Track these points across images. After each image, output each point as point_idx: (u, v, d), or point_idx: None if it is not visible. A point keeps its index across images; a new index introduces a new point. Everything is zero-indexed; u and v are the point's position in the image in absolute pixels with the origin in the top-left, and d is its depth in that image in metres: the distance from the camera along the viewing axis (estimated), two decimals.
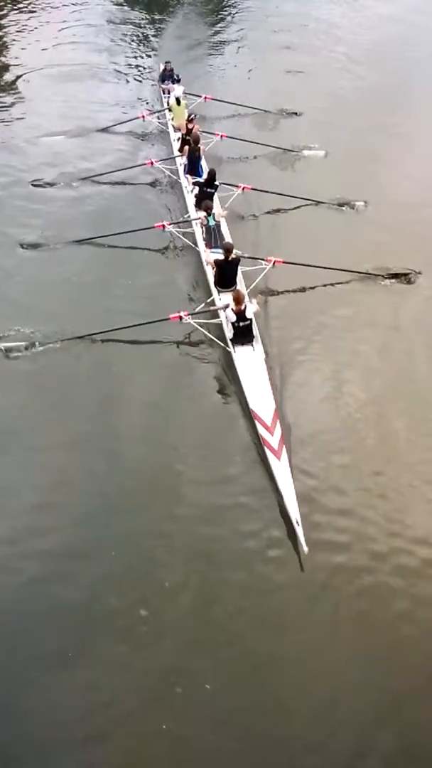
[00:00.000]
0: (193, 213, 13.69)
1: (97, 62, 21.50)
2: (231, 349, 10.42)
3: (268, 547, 8.00)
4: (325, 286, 12.03)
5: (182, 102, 17.08)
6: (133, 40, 23.53)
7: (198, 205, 13.74)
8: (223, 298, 11.41)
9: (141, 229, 12.87)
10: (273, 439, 8.91)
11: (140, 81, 20.87)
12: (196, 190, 13.85)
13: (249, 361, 10.20)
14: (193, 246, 12.91)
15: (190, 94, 18.18)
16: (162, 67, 20.16)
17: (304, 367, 10.48)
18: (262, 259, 11.93)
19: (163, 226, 12.96)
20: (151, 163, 15.24)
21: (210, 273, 11.86)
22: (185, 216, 13.73)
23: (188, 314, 10.74)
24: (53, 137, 16.92)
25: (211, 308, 11.04)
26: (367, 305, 11.69)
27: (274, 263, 11.85)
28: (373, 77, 20.46)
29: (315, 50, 22.38)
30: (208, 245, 12.66)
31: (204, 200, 13.45)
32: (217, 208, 13.04)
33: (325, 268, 11.87)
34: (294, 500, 8.18)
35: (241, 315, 10.25)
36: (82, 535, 8.04)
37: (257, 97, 18.66)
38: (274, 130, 17.79)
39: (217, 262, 11.45)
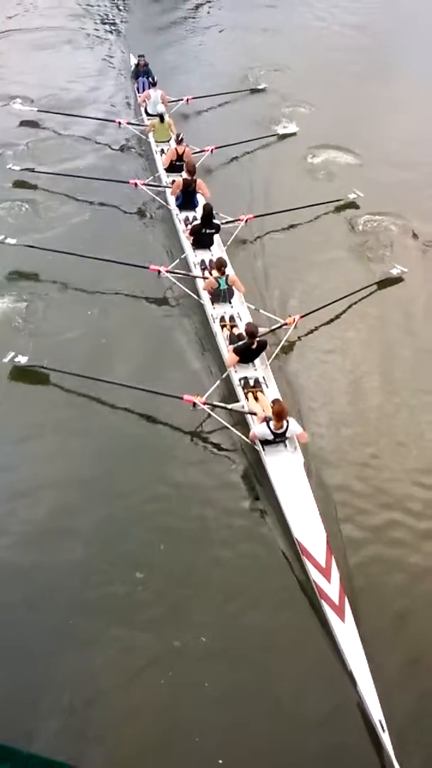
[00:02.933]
0: (191, 257, 11.51)
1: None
2: (260, 448, 8.42)
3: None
4: None
5: (166, 120, 14.76)
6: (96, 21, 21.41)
7: (195, 244, 11.63)
8: (240, 371, 9.43)
9: (135, 265, 10.84)
10: (331, 588, 6.85)
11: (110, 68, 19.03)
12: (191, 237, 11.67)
13: (283, 465, 8.12)
14: (194, 296, 10.77)
15: (171, 101, 15.93)
16: (135, 61, 17.74)
17: (354, 477, 8.37)
18: (284, 324, 10.00)
19: (159, 271, 10.82)
20: (136, 184, 12.93)
21: (224, 349, 9.67)
22: (182, 257, 11.47)
23: (205, 402, 8.65)
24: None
25: (232, 408, 8.83)
26: None
27: (296, 323, 9.94)
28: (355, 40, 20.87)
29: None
30: (215, 300, 10.56)
31: (204, 246, 11.60)
32: (230, 269, 10.87)
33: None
34: (371, 687, 6.12)
35: (280, 434, 8.16)
36: None
37: (238, 78, 18.33)
38: (263, 113, 16.83)
39: (237, 346, 9.26)
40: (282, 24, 22.54)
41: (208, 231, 11.44)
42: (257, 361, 9.57)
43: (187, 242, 11.69)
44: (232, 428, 8.56)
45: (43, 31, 21.20)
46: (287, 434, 8.17)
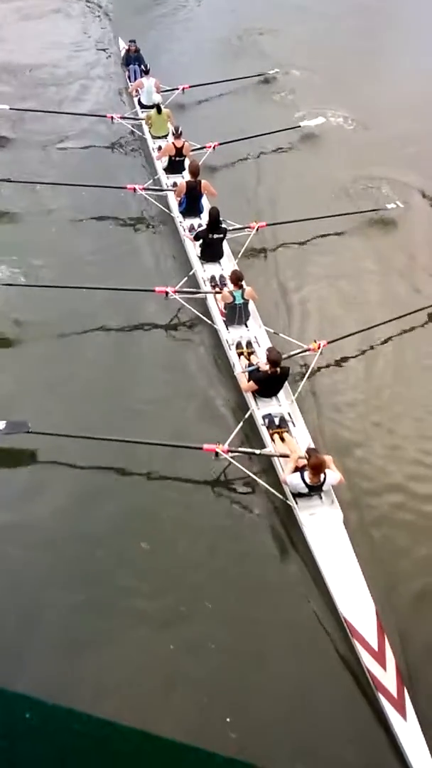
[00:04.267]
0: (200, 272, 10.53)
1: None
2: (293, 503, 7.54)
3: None
4: None
5: (163, 110, 13.60)
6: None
7: (204, 257, 10.65)
8: (262, 406, 8.52)
9: (139, 289, 9.88)
10: (387, 678, 5.99)
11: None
12: (198, 243, 10.68)
13: (321, 523, 7.22)
14: (207, 320, 9.74)
15: (165, 90, 14.76)
16: (125, 47, 16.49)
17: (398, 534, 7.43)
18: (307, 349, 9.06)
19: (167, 292, 9.83)
20: (134, 189, 11.83)
21: (244, 381, 8.67)
22: (189, 273, 10.43)
23: (228, 449, 7.73)
24: None
25: (260, 453, 7.86)
26: None
27: (321, 349, 9.02)
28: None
29: None
30: (229, 323, 9.61)
31: (213, 259, 10.65)
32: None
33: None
34: None
35: (316, 487, 7.27)
36: None
37: (242, 62, 17.02)
38: (269, 102, 15.71)
39: (257, 378, 8.35)
40: None
41: (215, 236, 10.47)
42: (281, 395, 8.66)
43: (195, 256, 10.70)
44: (258, 479, 7.64)
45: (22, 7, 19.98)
46: (324, 487, 7.31)
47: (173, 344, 9.61)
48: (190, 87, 15.18)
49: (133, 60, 16.01)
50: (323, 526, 7.22)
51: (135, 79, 15.56)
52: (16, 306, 9.69)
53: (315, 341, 9.03)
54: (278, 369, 8.21)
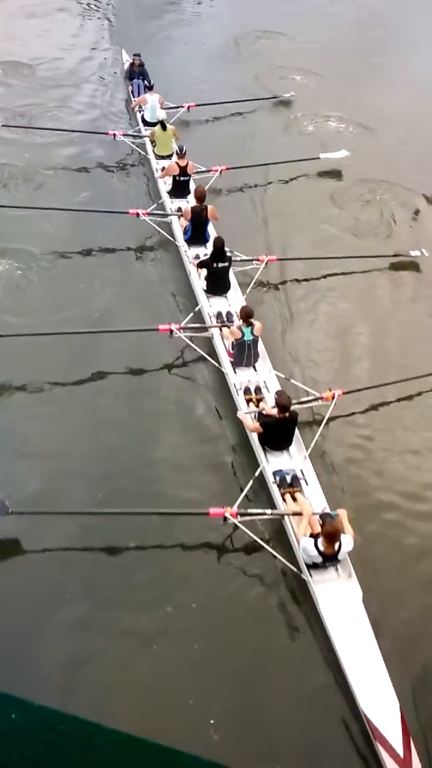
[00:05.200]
0: (206, 306, 9.91)
1: None
2: (307, 576, 6.89)
3: None
4: None
5: (168, 127, 12.99)
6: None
7: (210, 289, 10.04)
8: (272, 460, 7.91)
9: (142, 329, 9.19)
10: None
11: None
12: (203, 271, 10.06)
13: (337, 600, 6.58)
14: (213, 362, 9.10)
15: (169, 107, 14.15)
16: (129, 60, 15.89)
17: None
18: (320, 397, 8.46)
19: (171, 330, 9.19)
20: (137, 214, 11.19)
21: (248, 420, 8.12)
22: (195, 309, 9.77)
23: (236, 515, 7.08)
24: None
25: (272, 514, 7.23)
26: None
27: (335, 399, 8.41)
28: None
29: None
30: (237, 363, 9.00)
31: (220, 291, 10.05)
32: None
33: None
34: None
35: (331, 557, 6.66)
36: None
37: (250, 83, 16.33)
38: (284, 127, 14.83)
39: (265, 421, 7.78)
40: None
41: (220, 265, 9.86)
42: (293, 448, 8.04)
43: (200, 289, 10.08)
44: (268, 546, 7.00)
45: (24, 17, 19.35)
46: (339, 556, 6.69)
47: (175, 389, 8.92)
48: (197, 105, 14.58)
49: (137, 74, 15.42)
50: (340, 604, 6.59)
51: (138, 94, 14.97)
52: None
53: (330, 390, 8.42)
54: (287, 414, 7.62)
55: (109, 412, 8.43)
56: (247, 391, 8.68)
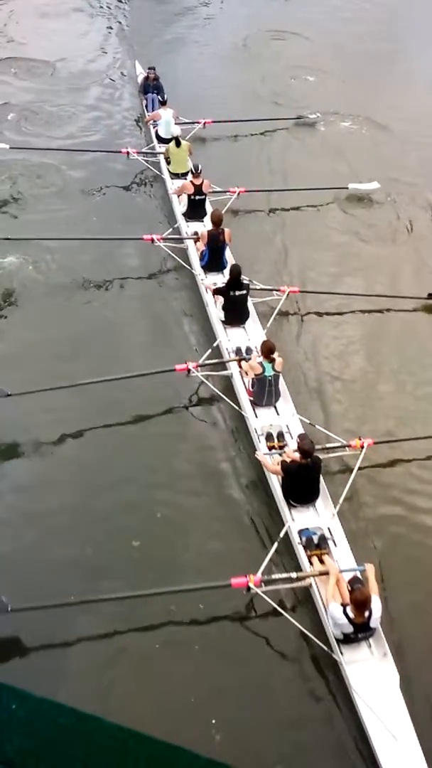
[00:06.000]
0: (225, 341, 9.34)
1: None
2: (339, 656, 6.27)
3: None
4: None
5: (183, 143, 12.45)
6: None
7: (227, 320, 9.51)
8: (298, 517, 7.31)
9: (158, 371, 8.47)
10: None
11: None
12: (220, 300, 9.55)
13: (371, 681, 5.95)
14: (233, 404, 8.46)
15: (184, 123, 13.61)
16: (143, 74, 15.37)
17: None
18: (347, 445, 7.88)
19: (188, 369, 8.60)
20: (152, 239, 10.64)
21: (267, 461, 7.58)
22: (214, 345, 9.18)
23: (259, 583, 6.48)
24: None
25: (293, 575, 6.64)
26: None
27: (365, 449, 7.81)
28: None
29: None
30: (257, 402, 8.43)
31: (238, 321, 9.48)
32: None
33: None
34: None
35: (362, 626, 6.13)
36: None
37: (270, 101, 15.61)
38: (308, 150, 13.93)
39: (286, 466, 7.22)
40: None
41: (237, 293, 9.36)
42: (320, 503, 7.44)
43: (218, 322, 9.54)
44: (294, 621, 6.40)
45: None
46: (371, 624, 6.11)
47: (192, 438, 8.24)
48: (213, 122, 14.05)
49: (152, 89, 14.89)
50: (375, 688, 5.98)
51: (153, 108, 14.44)
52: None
53: (359, 439, 7.83)
54: (309, 460, 7.07)
55: (120, 471, 7.77)
56: (269, 437, 8.11)
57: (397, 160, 13.95)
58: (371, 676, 6.07)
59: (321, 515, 7.38)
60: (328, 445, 7.89)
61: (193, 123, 14.01)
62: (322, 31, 19.21)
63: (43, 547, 6.95)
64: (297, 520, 7.29)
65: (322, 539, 7.10)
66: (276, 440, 8.09)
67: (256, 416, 8.35)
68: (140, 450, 7.99)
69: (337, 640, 6.23)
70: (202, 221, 11.41)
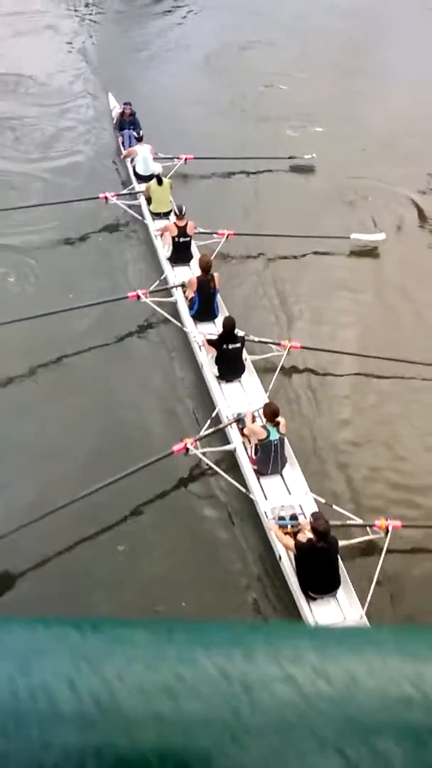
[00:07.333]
0: (224, 407, 8.54)
1: None
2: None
3: None
4: None
5: (165, 181, 11.73)
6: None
7: (224, 376, 8.76)
8: (319, 615, 6.50)
9: (156, 459, 7.52)
10: None
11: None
12: (212, 352, 8.82)
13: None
14: (240, 487, 7.55)
15: (163, 158, 12.86)
16: (119, 110, 14.62)
17: None
18: (370, 525, 7.10)
19: (186, 448, 7.76)
20: (138, 296, 9.83)
21: (293, 582, 6.71)
22: (213, 418, 8.25)
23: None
24: None
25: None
26: None
27: (389, 531, 7.02)
28: None
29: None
30: (262, 471, 7.63)
31: (233, 376, 8.77)
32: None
33: None
34: None
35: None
36: None
37: (257, 135, 14.75)
38: (304, 192, 12.88)
39: (300, 546, 6.42)
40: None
41: (231, 347, 8.66)
42: (342, 595, 6.63)
43: (216, 386, 8.76)
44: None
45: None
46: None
47: (193, 528, 7.43)
48: (195, 158, 13.25)
49: (128, 124, 14.15)
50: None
51: (130, 145, 13.72)
52: None
53: (385, 519, 7.02)
54: (323, 543, 6.31)
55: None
56: (282, 524, 7.28)
57: (406, 204, 12.99)
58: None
59: (346, 614, 6.56)
60: (347, 522, 7.12)
61: (173, 158, 13.28)
62: (314, 52, 18.54)
63: None
64: (317, 616, 6.49)
65: None
66: (289, 526, 7.27)
67: (266, 497, 7.54)
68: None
69: None
70: (189, 265, 10.71)
